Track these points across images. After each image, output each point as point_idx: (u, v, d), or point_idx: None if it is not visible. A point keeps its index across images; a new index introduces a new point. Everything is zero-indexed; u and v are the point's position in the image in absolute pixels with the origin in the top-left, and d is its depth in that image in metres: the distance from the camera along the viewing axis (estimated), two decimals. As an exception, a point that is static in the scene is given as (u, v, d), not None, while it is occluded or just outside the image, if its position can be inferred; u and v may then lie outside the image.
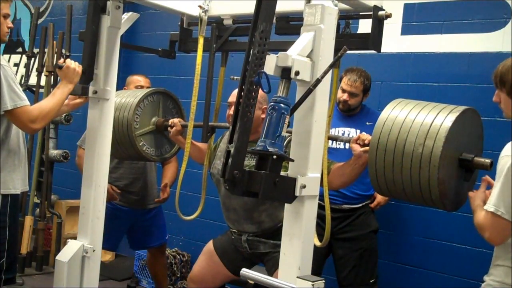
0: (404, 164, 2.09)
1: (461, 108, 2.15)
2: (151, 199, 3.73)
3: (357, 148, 2.34)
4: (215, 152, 2.93)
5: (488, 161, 2.15)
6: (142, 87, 3.68)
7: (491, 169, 2.14)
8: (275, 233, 2.71)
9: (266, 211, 2.72)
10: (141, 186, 3.67)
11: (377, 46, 2.16)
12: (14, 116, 2.60)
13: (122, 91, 3.23)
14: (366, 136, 2.33)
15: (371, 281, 3.24)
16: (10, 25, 2.75)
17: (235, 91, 2.71)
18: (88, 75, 2.42)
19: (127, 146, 2.91)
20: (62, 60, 2.52)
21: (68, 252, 2.42)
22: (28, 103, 2.62)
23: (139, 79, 3.74)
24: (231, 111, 2.74)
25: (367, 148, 2.27)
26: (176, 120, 2.93)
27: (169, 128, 2.93)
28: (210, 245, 3.02)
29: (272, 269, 2.66)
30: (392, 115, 2.18)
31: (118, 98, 2.94)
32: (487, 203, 1.98)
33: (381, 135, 2.15)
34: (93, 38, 2.39)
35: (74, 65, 2.48)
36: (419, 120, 2.12)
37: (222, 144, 2.89)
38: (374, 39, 2.13)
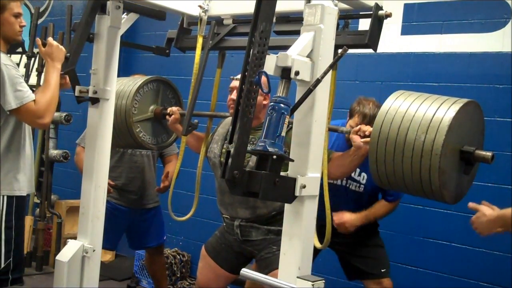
0: (406, 153, 2.08)
1: (464, 100, 2.14)
2: (150, 199, 3.73)
3: (357, 139, 2.34)
4: (211, 137, 2.91)
5: (489, 154, 2.13)
6: None
7: (492, 162, 2.14)
8: (269, 220, 2.71)
9: None
10: (139, 185, 3.67)
11: (374, 44, 2.14)
12: (21, 114, 2.60)
13: (122, 78, 3.22)
14: (367, 128, 2.32)
15: (382, 270, 3.17)
16: (24, 23, 2.77)
17: (237, 81, 2.71)
18: (72, 61, 2.38)
19: (124, 132, 2.90)
20: (39, 40, 2.55)
21: (68, 252, 2.42)
22: (33, 97, 2.61)
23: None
24: (232, 96, 2.74)
25: (367, 139, 2.26)
26: (174, 108, 2.91)
27: (167, 117, 2.91)
28: (203, 250, 3.02)
29: (264, 271, 2.63)
30: (394, 105, 2.18)
31: (117, 86, 2.92)
32: None
33: (383, 124, 2.14)
34: (85, 28, 2.37)
35: (56, 43, 2.51)
36: (422, 109, 2.12)
37: (220, 129, 2.87)
38: (371, 36, 2.12)
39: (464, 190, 2.23)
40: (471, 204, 2.23)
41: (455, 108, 2.08)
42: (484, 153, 2.15)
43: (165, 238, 3.87)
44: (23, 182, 2.76)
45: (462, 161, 2.18)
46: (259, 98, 2.60)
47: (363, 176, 2.95)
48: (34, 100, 2.60)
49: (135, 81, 2.98)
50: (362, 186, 2.97)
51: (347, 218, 2.96)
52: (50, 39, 2.55)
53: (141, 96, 2.94)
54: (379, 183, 2.27)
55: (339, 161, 2.47)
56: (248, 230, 2.76)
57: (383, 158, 2.14)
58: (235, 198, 2.73)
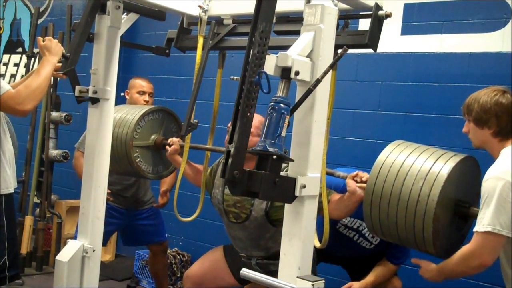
0: (402, 197, 2.12)
1: (463, 154, 2.20)
2: (145, 202, 3.76)
3: (352, 184, 2.37)
4: (212, 178, 2.93)
5: None
6: (144, 92, 3.69)
7: None
8: None
9: (271, 238, 2.74)
10: (134, 192, 3.68)
11: (374, 44, 2.14)
12: (1, 104, 2.55)
13: (127, 105, 3.27)
14: (364, 174, 2.37)
15: None
16: None
17: None
18: (72, 61, 2.35)
19: (122, 155, 2.93)
20: (40, 38, 2.53)
21: (68, 252, 2.42)
22: (9, 88, 2.57)
23: (142, 84, 3.73)
24: None
25: (363, 184, 2.30)
26: (175, 139, 2.94)
27: (167, 147, 2.94)
28: (220, 250, 3.04)
29: None
30: (392, 154, 2.24)
31: (119, 114, 2.99)
32: (478, 226, 2.03)
33: (381, 170, 2.19)
34: (85, 28, 2.36)
35: (55, 40, 2.50)
36: (420, 160, 2.16)
37: (220, 172, 2.89)
38: (371, 36, 2.12)
39: (455, 246, 2.25)
40: (414, 260, 2.32)
41: (455, 159, 2.13)
42: (478, 210, 2.17)
43: (166, 235, 3.87)
44: (9, 179, 2.74)
45: (455, 216, 2.21)
46: (257, 139, 2.55)
47: (376, 238, 2.94)
48: (11, 90, 2.55)
49: (141, 108, 3.04)
50: (373, 245, 2.97)
51: (357, 286, 2.90)
52: (48, 38, 2.55)
53: (145, 123, 2.97)
54: (370, 228, 2.29)
55: (335, 205, 2.50)
56: (266, 265, 2.81)
57: (378, 201, 2.18)
58: (247, 244, 2.80)
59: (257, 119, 2.60)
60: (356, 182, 2.37)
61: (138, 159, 2.97)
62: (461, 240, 2.31)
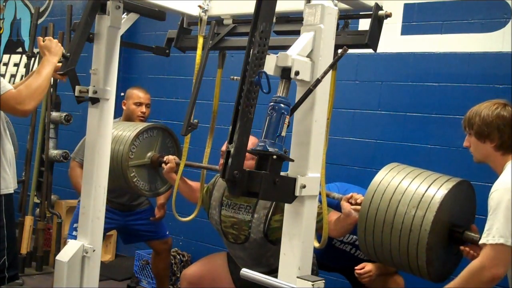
0: (395, 225, 2.11)
1: (458, 179, 2.20)
2: (139, 204, 3.76)
3: (347, 207, 2.38)
4: (208, 198, 2.92)
5: (478, 236, 2.15)
6: (141, 103, 3.67)
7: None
8: None
9: (273, 255, 2.73)
10: (127, 199, 3.70)
11: (374, 44, 2.14)
12: (1, 103, 2.54)
13: (122, 123, 3.26)
14: (359, 196, 2.37)
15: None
16: None
17: None
18: (72, 61, 2.34)
19: (118, 175, 2.93)
20: (40, 38, 2.51)
21: (68, 252, 2.42)
22: (11, 87, 2.56)
23: (139, 95, 3.71)
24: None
25: (358, 207, 2.30)
26: (171, 157, 2.94)
27: (163, 165, 2.94)
28: (223, 256, 3.03)
29: None
30: (387, 177, 2.23)
31: (117, 129, 2.98)
32: (487, 237, 1.96)
33: (375, 194, 2.19)
34: (85, 28, 2.36)
35: (56, 40, 2.49)
36: (414, 185, 2.16)
37: (216, 192, 2.89)
38: (371, 36, 2.12)
39: (451, 269, 2.24)
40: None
41: (448, 186, 2.12)
42: (473, 234, 2.19)
43: (168, 233, 3.86)
44: (9, 179, 2.74)
45: (450, 241, 2.20)
46: (249, 163, 2.50)
47: None
48: (12, 90, 2.55)
49: (135, 126, 3.03)
50: None
51: (371, 267, 2.84)
52: (48, 38, 2.54)
53: (140, 142, 2.97)
54: (365, 253, 2.28)
55: (333, 226, 2.51)
56: None
57: (372, 228, 2.18)
58: (248, 262, 2.80)
59: (251, 142, 2.59)
60: (351, 204, 2.38)
61: (135, 179, 2.98)
62: (457, 263, 2.30)
